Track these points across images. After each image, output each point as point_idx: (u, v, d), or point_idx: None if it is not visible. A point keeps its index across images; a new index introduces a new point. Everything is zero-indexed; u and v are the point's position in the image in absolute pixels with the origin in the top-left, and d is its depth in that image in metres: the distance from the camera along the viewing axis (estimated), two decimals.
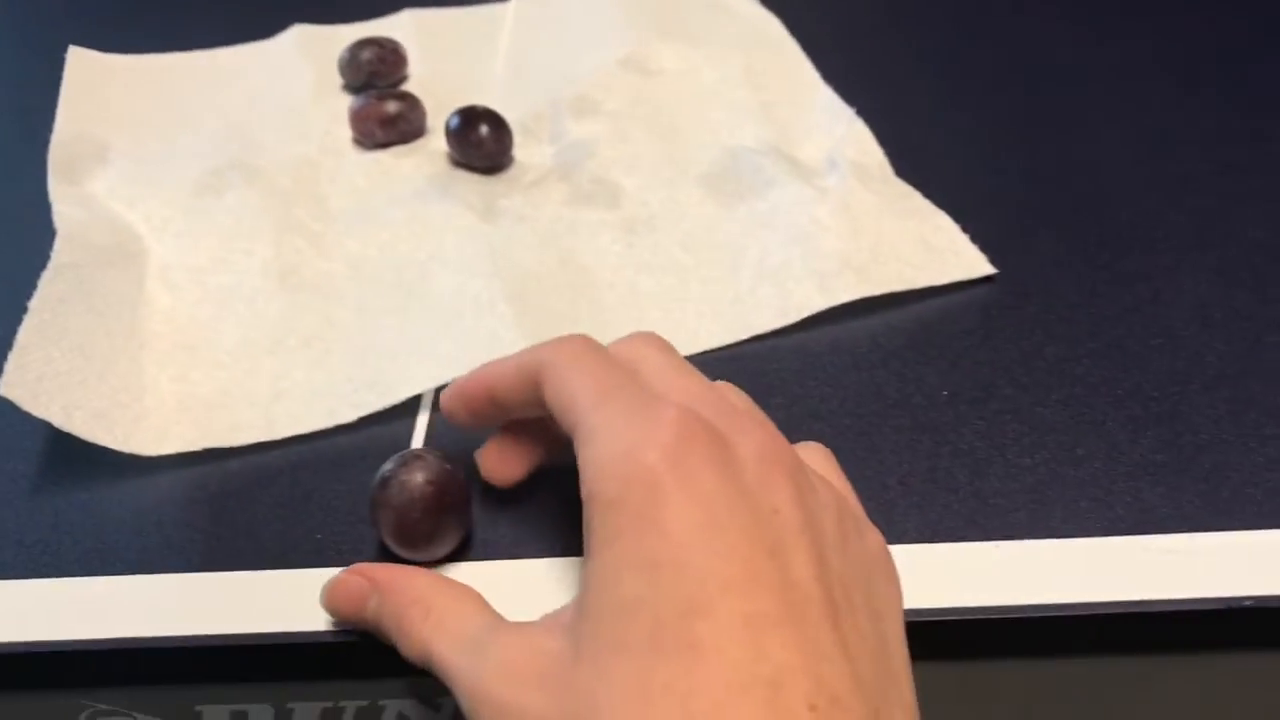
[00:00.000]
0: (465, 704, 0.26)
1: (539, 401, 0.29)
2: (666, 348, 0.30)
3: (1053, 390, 0.37)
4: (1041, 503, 0.33)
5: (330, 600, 0.31)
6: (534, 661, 0.25)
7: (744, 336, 0.39)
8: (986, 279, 0.41)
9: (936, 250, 0.41)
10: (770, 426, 0.28)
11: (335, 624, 0.31)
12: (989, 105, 0.50)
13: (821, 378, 0.38)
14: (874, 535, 0.28)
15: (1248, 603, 0.30)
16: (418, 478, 0.31)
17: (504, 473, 0.33)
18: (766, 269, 0.41)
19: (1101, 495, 0.33)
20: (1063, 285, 0.40)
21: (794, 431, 0.34)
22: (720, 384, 0.30)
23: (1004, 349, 0.38)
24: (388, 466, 0.32)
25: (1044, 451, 0.35)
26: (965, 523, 0.33)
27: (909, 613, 0.29)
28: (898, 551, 0.29)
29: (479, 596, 0.29)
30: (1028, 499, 0.33)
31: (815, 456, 0.30)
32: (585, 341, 0.30)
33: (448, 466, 0.32)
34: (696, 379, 0.29)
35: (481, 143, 0.46)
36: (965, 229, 0.42)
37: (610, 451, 0.25)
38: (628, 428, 0.26)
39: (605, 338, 0.39)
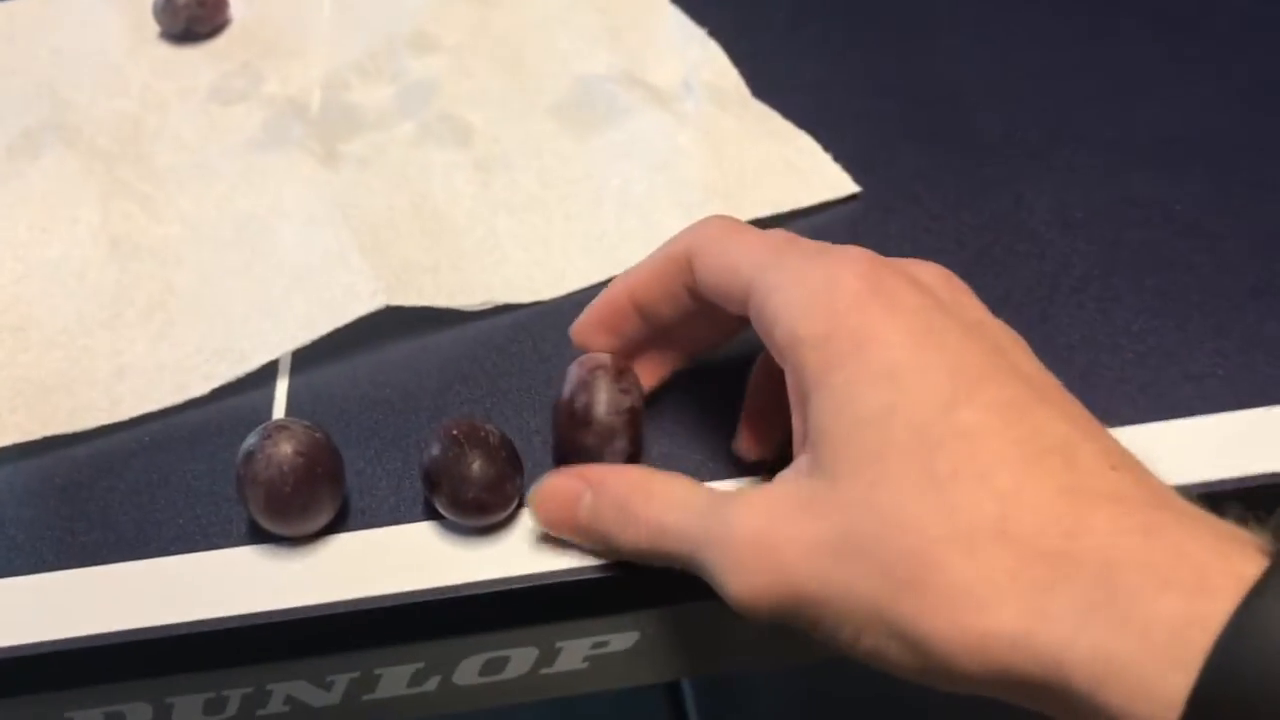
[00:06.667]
0: (714, 560, 0.25)
1: (687, 290, 0.30)
2: None
3: None
4: None
5: (542, 503, 0.29)
6: (785, 499, 0.25)
7: (614, 273, 0.38)
8: (851, 197, 0.40)
9: (800, 172, 0.41)
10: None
11: (218, 608, 0.29)
12: (839, 20, 0.49)
13: None
14: None
15: None
16: (285, 449, 0.29)
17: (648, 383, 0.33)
18: (630, 200, 0.40)
19: None
20: (927, 198, 0.40)
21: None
22: None
23: None
24: (251, 439, 0.30)
25: None
26: None
27: None
28: None
29: (691, 478, 0.28)
30: None
31: None
32: (727, 219, 0.30)
33: (317, 435, 0.30)
34: None
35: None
36: (826, 148, 0.42)
37: (806, 291, 0.26)
38: (815, 269, 0.26)
39: (468, 283, 0.37)
